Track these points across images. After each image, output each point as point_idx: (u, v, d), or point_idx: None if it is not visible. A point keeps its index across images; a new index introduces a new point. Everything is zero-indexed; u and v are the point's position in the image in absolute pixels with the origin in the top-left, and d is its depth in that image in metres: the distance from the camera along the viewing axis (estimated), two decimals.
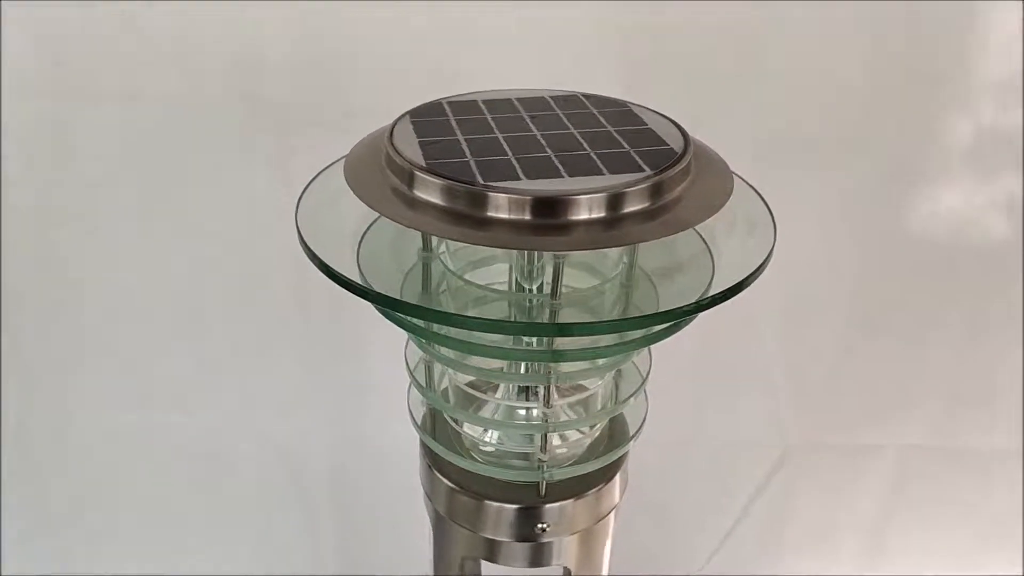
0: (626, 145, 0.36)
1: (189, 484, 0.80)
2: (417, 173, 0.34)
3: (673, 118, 0.39)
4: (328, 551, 0.83)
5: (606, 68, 0.59)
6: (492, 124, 0.39)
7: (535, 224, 0.33)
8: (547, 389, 0.39)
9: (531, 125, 0.38)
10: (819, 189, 0.67)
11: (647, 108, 0.40)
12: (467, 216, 0.33)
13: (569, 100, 0.42)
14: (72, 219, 0.69)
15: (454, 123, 0.39)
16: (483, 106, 0.41)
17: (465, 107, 0.41)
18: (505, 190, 0.33)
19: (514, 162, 0.35)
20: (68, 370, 0.75)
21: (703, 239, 0.39)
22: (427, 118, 0.39)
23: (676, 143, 0.36)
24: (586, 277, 0.40)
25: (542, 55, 0.61)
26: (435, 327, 0.36)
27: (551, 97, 0.42)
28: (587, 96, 0.42)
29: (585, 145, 0.36)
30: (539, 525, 0.41)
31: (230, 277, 0.71)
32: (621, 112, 0.40)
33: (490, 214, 0.33)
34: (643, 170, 0.34)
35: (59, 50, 0.63)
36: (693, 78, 0.63)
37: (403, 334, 0.41)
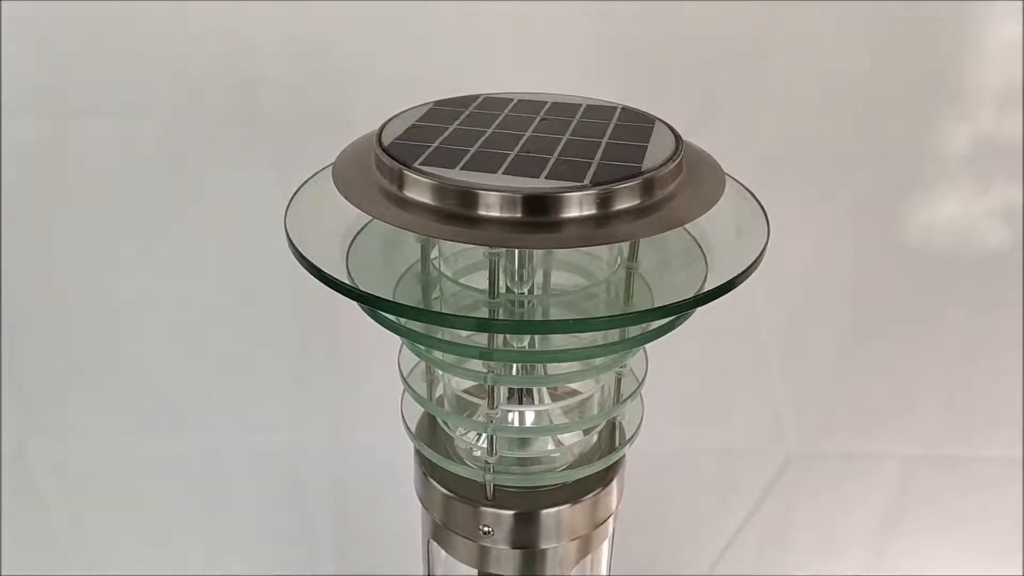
0: (597, 158, 0.35)
1: (188, 501, 0.81)
2: (376, 152, 0.35)
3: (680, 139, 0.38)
4: (327, 566, 0.83)
5: (604, 75, 0.59)
6: (497, 120, 0.39)
7: (520, 221, 0.32)
8: (491, 389, 0.38)
9: (532, 126, 0.38)
10: (818, 196, 0.66)
11: (668, 127, 0.39)
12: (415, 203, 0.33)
13: (600, 110, 0.40)
14: (70, 235, 0.69)
15: (464, 114, 0.39)
16: (512, 104, 0.41)
17: (494, 103, 0.41)
18: (424, 174, 0.33)
19: (467, 154, 0.35)
20: (67, 388, 0.75)
21: (698, 244, 0.39)
22: (447, 108, 0.40)
23: (652, 164, 0.35)
24: (580, 280, 0.40)
25: (551, 60, 0.61)
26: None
27: (589, 105, 0.41)
28: (626, 109, 0.41)
29: (558, 151, 0.35)
30: (482, 527, 0.41)
31: (228, 293, 0.72)
32: (638, 128, 0.38)
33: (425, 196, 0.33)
34: (579, 182, 0.33)
35: (57, 63, 0.63)
36: (692, 86, 0.62)
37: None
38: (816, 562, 0.83)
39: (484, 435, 0.43)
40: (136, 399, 0.76)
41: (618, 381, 0.42)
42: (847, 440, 0.77)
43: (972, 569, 0.82)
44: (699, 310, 0.35)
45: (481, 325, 0.36)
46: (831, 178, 0.67)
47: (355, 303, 0.35)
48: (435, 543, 0.44)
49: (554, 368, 0.40)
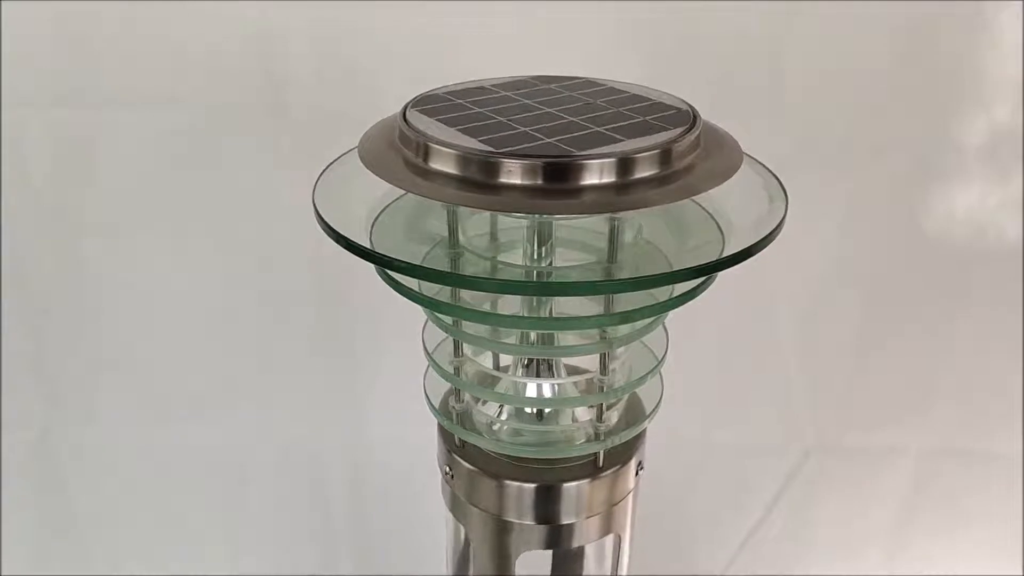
0: (555, 138, 0.35)
1: (209, 494, 0.81)
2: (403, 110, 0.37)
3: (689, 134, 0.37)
4: (345, 565, 0.84)
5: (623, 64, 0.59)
6: (542, 97, 0.40)
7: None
8: (456, 343, 0.41)
9: (565, 105, 0.39)
10: (835, 189, 0.66)
11: (691, 117, 0.38)
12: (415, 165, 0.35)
13: (655, 106, 0.39)
14: (95, 228, 0.71)
15: (518, 89, 0.41)
16: (568, 85, 0.42)
17: (581, 84, 0.42)
18: (424, 135, 0.35)
19: (480, 119, 0.37)
20: (91, 381, 0.77)
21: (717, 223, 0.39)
22: (514, 80, 0.42)
23: (636, 146, 0.34)
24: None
25: (563, 55, 0.61)
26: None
27: (657, 102, 0.40)
28: (680, 111, 0.39)
29: (535, 127, 0.36)
30: (445, 467, 0.43)
31: (252, 287, 0.73)
32: (653, 126, 0.37)
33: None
34: (499, 149, 0.34)
35: (88, 57, 0.64)
36: (710, 78, 0.63)
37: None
38: (834, 559, 0.83)
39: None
40: (159, 391, 0.77)
41: (608, 357, 0.41)
42: (864, 435, 0.78)
43: (990, 566, 0.82)
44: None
45: (457, 280, 0.37)
46: (848, 171, 0.67)
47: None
48: (458, 521, 0.45)
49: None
